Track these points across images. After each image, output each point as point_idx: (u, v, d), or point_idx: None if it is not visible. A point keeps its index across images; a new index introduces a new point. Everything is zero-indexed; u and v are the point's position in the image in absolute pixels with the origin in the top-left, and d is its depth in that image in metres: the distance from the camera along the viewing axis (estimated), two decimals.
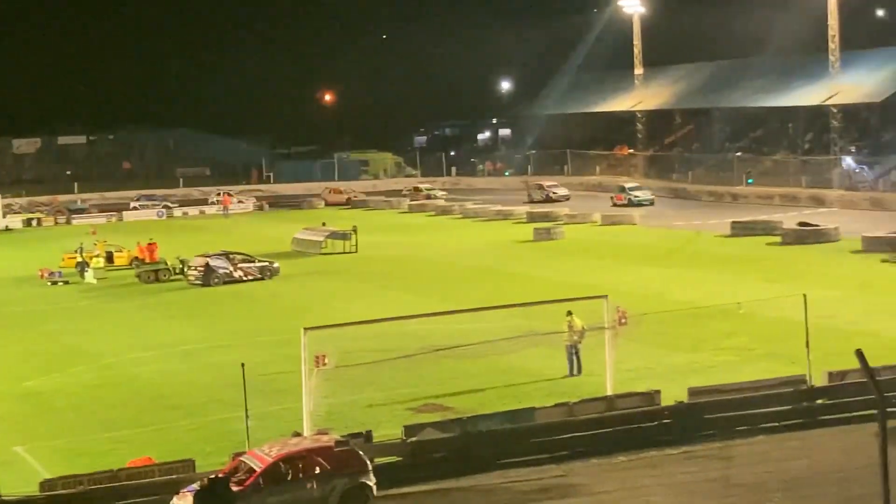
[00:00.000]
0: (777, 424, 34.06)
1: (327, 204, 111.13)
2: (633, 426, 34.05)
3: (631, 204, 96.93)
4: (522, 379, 39.62)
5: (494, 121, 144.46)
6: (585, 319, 40.16)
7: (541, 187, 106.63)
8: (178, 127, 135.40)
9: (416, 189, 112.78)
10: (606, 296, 39.05)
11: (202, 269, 65.03)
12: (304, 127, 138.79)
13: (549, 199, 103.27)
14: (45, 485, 29.89)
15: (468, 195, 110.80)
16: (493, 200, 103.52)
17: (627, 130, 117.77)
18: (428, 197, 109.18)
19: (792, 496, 28.30)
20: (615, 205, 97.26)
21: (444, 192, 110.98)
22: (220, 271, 65.11)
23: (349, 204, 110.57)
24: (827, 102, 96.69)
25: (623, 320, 39.05)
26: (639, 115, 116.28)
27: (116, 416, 38.51)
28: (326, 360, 34.09)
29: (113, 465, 30.49)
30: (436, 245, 79.25)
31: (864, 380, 14.68)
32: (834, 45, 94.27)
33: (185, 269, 66.42)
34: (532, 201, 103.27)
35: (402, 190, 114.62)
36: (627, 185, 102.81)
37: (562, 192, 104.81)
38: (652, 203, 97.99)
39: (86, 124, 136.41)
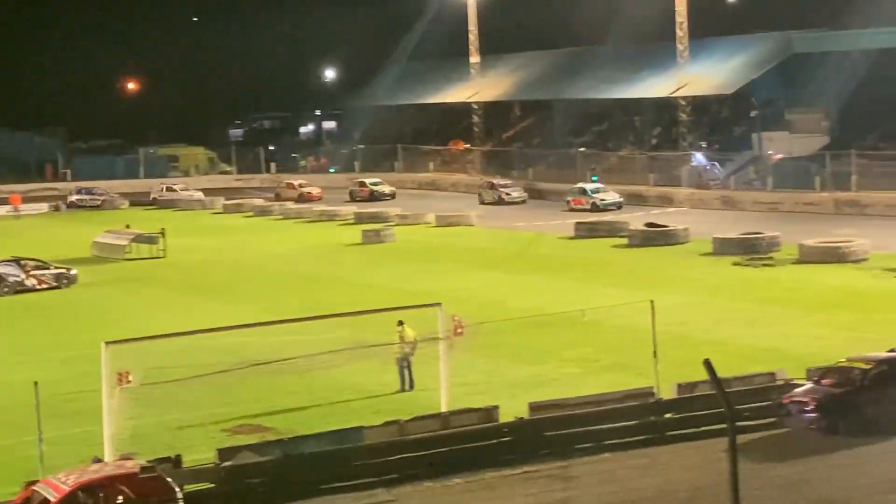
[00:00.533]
0: (623, 441, 34.47)
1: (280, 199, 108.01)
2: (469, 445, 34.20)
3: (501, 202, 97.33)
4: (349, 395, 39.39)
5: (318, 112, 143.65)
6: (418, 329, 40.26)
7: (492, 186, 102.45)
8: None
9: (362, 185, 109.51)
10: (441, 304, 39.19)
11: None
12: (104, 119, 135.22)
13: (374, 199, 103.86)
14: None
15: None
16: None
17: (463, 124, 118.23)
18: (372, 194, 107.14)
19: None
20: (484, 202, 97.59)
21: (392, 189, 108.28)
22: (11, 279, 64.03)
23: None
24: (675, 94, 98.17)
25: (459, 330, 39.27)
26: (475, 108, 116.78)
27: None
28: (130, 378, 33.72)
29: None
30: (254, 249, 78.75)
31: (714, 392, 15.08)
32: (682, 32, 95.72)
33: None
34: (484, 202, 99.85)
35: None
36: (498, 182, 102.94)
37: (516, 193, 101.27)
38: (523, 201, 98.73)
39: None
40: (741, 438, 30.78)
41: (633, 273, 61.75)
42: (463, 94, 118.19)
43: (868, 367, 35.58)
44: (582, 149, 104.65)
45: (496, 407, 35.77)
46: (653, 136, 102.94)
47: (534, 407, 35.75)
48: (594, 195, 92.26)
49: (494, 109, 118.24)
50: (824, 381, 35.62)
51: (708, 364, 13.71)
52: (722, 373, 18.60)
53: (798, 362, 37.92)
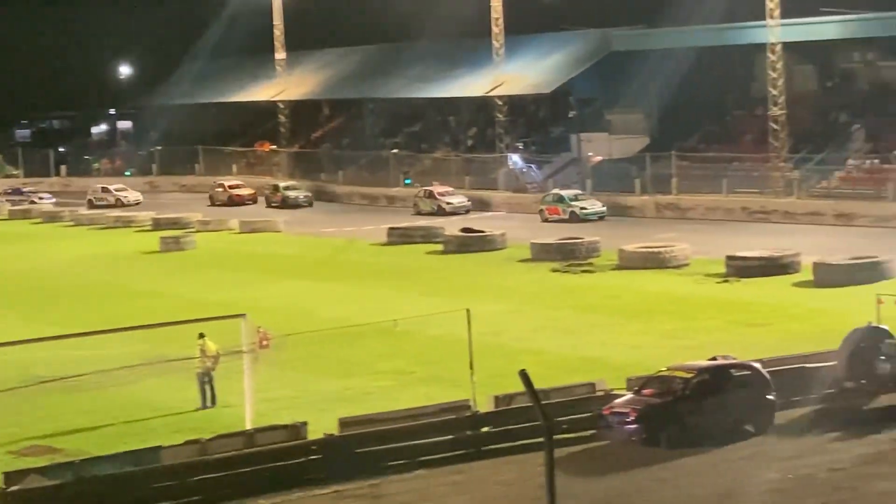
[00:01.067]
0: (438, 457, 34.61)
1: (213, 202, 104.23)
2: (276, 464, 34.13)
3: (287, 205, 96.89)
4: (147, 413, 38.81)
5: (112, 112, 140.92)
6: (221, 343, 40.10)
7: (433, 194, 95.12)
8: None
9: (276, 189, 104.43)
10: (245, 314, 39.08)
11: None
12: None
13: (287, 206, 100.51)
14: None
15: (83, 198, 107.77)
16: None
17: (269, 124, 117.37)
18: (284, 200, 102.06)
19: None
20: (270, 205, 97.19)
21: (308, 196, 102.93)
22: None
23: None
24: (491, 93, 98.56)
25: (265, 342, 39.14)
26: (281, 107, 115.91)
27: None
28: None
29: None
30: (42, 258, 77.29)
31: (531, 404, 15.23)
32: (498, 29, 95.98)
33: None
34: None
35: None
36: (282, 184, 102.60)
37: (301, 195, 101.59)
38: (310, 204, 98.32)
39: None
40: (560, 452, 31.11)
41: (449, 281, 61.94)
42: (268, 93, 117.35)
43: (689, 375, 36.18)
44: (395, 150, 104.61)
45: (304, 423, 35.67)
46: (468, 136, 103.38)
47: (344, 423, 35.73)
48: (574, 203, 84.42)
49: (302, 109, 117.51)
50: (645, 391, 36.14)
51: (524, 375, 13.85)
52: (540, 384, 18.71)
53: (618, 372, 38.39)
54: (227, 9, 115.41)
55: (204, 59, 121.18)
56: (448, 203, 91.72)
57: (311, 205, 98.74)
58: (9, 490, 31.60)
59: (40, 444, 36.08)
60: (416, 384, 41.18)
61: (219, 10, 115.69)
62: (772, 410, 36.37)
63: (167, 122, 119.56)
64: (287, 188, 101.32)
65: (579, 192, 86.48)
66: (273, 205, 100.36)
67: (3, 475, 31.99)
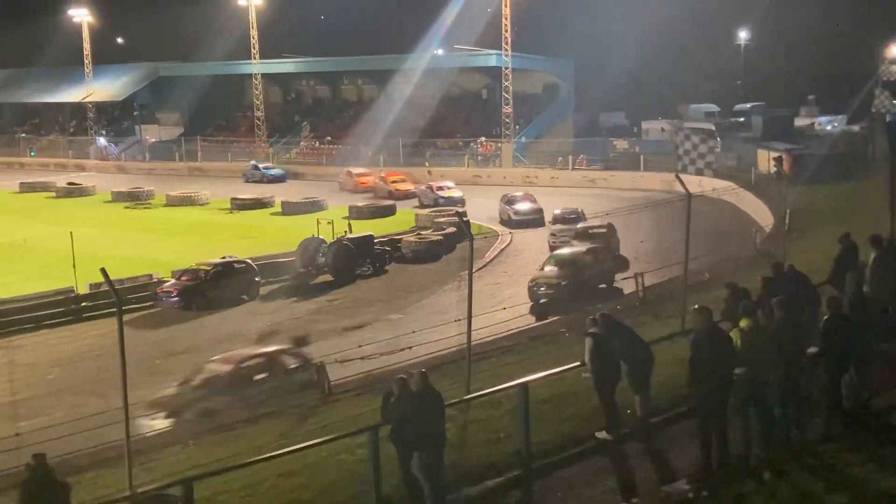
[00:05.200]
0: (55, 321, 33.19)
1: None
2: None
3: None
4: None
5: None
6: None
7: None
8: None
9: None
10: None
11: None
12: None
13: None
14: None
15: None
16: None
17: None
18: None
19: (66, 369, 27.68)
20: None
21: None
22: None
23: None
24: (85, 100, 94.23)
25: None
26: None
27: None
28: None
29: None
30: None
31: (108, 288, 14.78)
32: (87, 59, 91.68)
33: None
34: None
35: None
36: None
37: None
38: None
39: None
40: (131, 315, 30.34)
41: (60, 215, 58.40)
42: None
43: (208, 268, 36.03)
44: (24, 135, 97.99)
45: None
46: (70, 126, 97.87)
47: None
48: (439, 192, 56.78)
49: None
50: (183, 278, 35.73)
51: (103, 271, 13.33)
52: (118, 276, 18.14)
53: (167, 267, 37.66)
54: None
55: None
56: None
57: None
58: None
59: None
60: (40, 278, 38.53)
61: None
62: (258, 287, 36.56)
63: None
64: None
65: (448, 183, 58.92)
66: None
67: None
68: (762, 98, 70.34)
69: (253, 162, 75.93)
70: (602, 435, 13.55)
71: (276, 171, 73.07)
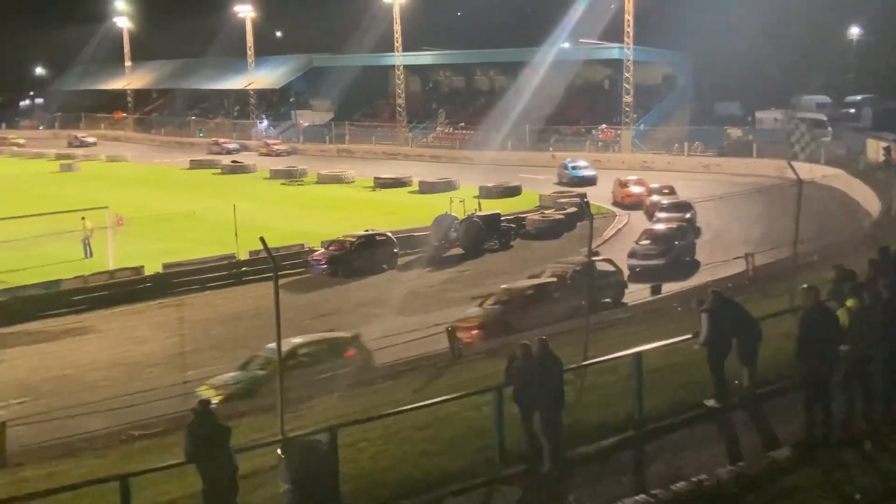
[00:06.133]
0: (218, 283, 34.25)
1: None
2: (128, 289, 33.15)
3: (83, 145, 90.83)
4: (53, 260, 36.46)
5: (31, 93, 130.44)
6: (94, 222, 38.45)
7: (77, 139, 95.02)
8: None
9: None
10: (108, 206, 37.62)
11: None
12: None
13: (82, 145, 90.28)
14: None
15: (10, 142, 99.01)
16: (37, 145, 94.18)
17: (122, 101, 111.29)
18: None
19: (228, 326, 28.57)
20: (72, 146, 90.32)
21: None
22: None
23: None
24: (247, 87, 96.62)
25: (120, 222, 37.73)
26: (129, 92, 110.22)
27: None
28: None
29: None
30: None
31: (265, 255, 15.09)
32: (250, 51, 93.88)
33: None
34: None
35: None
36: (76, 135, 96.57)
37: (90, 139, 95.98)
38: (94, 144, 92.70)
39: None
40: (284, 280, 31.02)
41: (225, 189, 60.04)
42: (121, 84, 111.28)
43: (354, 239, 36.64)
44: (193, 117, 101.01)
45: (143, 266, 34.71)
46: (234, 110, 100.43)
47: (166, 265, 34.91)
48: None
49: (141, 93, 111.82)
50: (331, 248, 36.43)
51: (262, 240, 13.65)
52: (274, 245, 18.36)
53: (317, 238, 38.44)
54: (95, 36, 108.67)
55: (82, 64, 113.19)
56: (226, 148, 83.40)
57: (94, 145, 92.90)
58: None
59: None
60: (208, 245, 39.91)
61: (89, 35, 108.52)
62: (396, 257, 37.01)
63: (64, 100, 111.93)
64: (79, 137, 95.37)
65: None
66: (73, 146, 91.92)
67: None
68: (873, 91, 67.38)
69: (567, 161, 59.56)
70: (711, 403, 13.28)
71: (588, 172, 57.01)
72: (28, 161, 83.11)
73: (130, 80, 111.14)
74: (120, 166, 77.85)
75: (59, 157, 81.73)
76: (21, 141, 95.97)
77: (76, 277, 32.91)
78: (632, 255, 32.69)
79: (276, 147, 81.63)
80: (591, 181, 55.44)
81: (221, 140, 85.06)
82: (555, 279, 26.40)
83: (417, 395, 16.39)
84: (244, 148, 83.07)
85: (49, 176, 70.78)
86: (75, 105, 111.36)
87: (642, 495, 10.65)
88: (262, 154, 79.55)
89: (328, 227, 42.32)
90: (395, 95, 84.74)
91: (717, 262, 30.97)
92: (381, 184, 59.93)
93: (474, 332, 23.85)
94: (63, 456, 16.01)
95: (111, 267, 34.88)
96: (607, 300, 27.16)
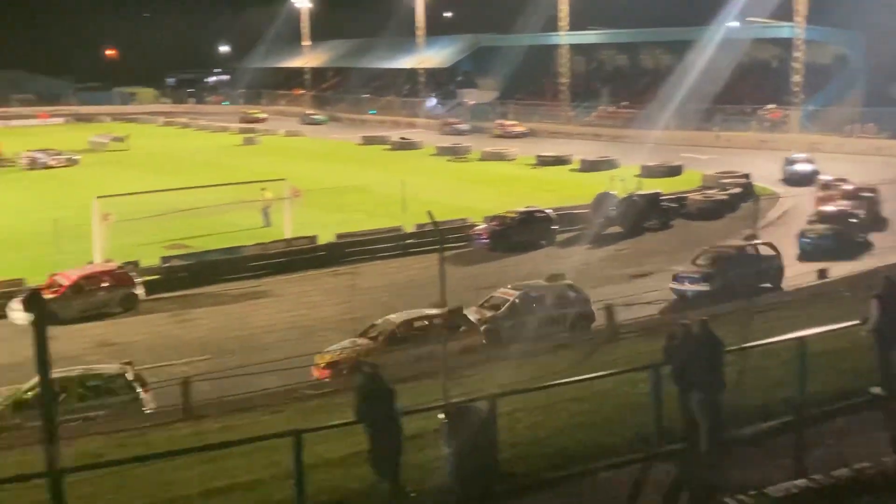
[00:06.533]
0: (386, 254, 34.90)
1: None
2: (302, 257, 34.23)
3: (313, 123, 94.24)
4: (235, 227, 37.92)
5: (217, 71, 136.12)
6: (274, 193, 39.80)
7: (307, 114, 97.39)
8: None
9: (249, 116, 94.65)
10: (285, 178, 38.85)
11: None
12: (94, 69, 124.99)
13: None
14: None
15: (200, 116, 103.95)
16: (219, 120, 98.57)
17: (300, 79, 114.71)
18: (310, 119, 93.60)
19: (395, 294, 29.13)
20: (304, 123, 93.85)
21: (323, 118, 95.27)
22: (39, 161, 61.26)
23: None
24: (417, 66, 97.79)
25: (297, 194, 38.94)
26: (306, 70, 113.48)
27: None
28: (111, 217, 32.75)
29: None
30: (180, 147, 75.52)
31: (432, 228, 15.30)
32: (420, 32, 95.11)
33: (15, 159, 62.01)
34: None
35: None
36: (307, 112, 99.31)
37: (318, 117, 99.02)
38: (326, 122, 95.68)
39: None
40: (447, 252, 31.31)
41: (393, 165, 61.24)
42: (299, 62, 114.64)
43: (514, 215, 36.62)
44: (366, 95, 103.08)
45: (316, 235, 35.66)
46: (404, 89, 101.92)
47: (339, 236, 35.81)
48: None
49: (318, 71, 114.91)
50: (493, 223, 36.52)
51: (429, 213, 13.79)
52: (438, 219, 18.52)
53: (479, 213, 38.59)
54: (275, 20, 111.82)
55: (265, 43, 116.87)
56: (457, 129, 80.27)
57: (326, 122, 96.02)
58: (163, 266, 31.55)
59: (179, 242, 35.79)
60: (376, 217, 40.73)
61: (274, 16, 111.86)
62: (555, 234, 36.80)
63: (248, 77, 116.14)
64: (310, 114, 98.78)
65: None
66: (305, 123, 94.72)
67: (161, 258, 31.88)
68: None
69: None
70: (877, 390, 12.65)
71: (805, 167, 49.36)
72: (213, 135, 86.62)
73: (308, 58, 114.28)
74: (298, 141, 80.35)
75: (242, 131, 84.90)
76: (263, 115, 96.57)
77: (255, 244, 34.25)
78: (802, 235, 32.51)
79: (456, 125, 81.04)
80: (810, 176, 46.79)
81: (452, 121, 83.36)
82: (433, 313, 21.47)
83: (575, 368, 16.29)
84: (475, 130, 79.13)
85: (232, 149, 73.70)
86: (257, 82, 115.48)
87: (802, 480, 10.26)
88: (442, 133, 78.85)
89: (490, 202, 42.43)
90: (559, 74, 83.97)
91: (890, 246, 29.49)
92: (543, 161, 59.62)
93: (323, 370, 20.46)
94: (241, 410, 16.75)
95: (288, 235, 36.10)
96: (767, 285, 26.39)
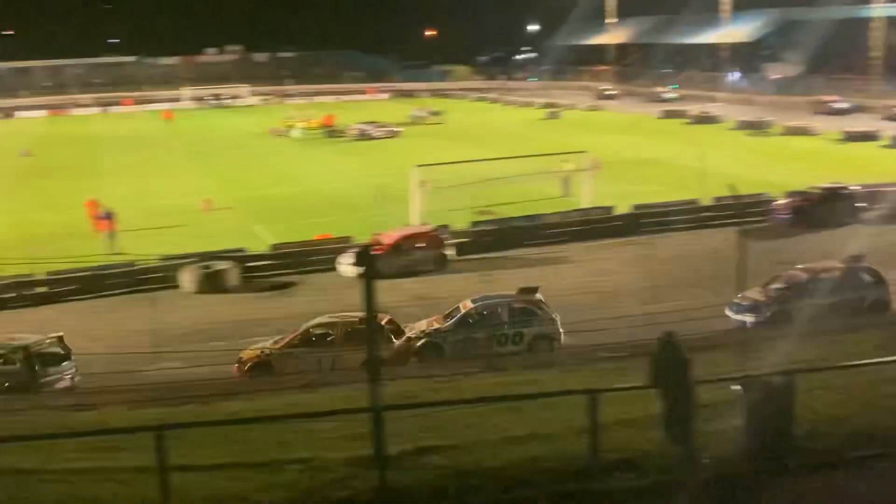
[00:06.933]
0: (681, 226, 34.08)
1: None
2: (599, 226, 34.25)
3: (609, 98, 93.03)
4: (536, 196, 38.57)
5: (524, 48, 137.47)
6: (575, 164, 39.95)
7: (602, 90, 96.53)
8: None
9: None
10: (587, 151, 38.86)
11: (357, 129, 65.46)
12: (416, 49, 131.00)
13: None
14: (274, 247, 30.82)
15: (509, 92, 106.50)
16: (526, 96, 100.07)
17: (602, 55, 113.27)
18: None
19: (684, 263, 28.38)
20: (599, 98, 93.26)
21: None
22: (366, 132, 65.41)
23: None
24: (718, 41, 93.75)
25: (597, 166, 38.87)
26: (611, 46, 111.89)
27: (305, 209, 38.97)
28: (427, 184, 34.39)
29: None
30: (489, 120, 77.61)
31: (728, 202, 14.64)
32: (727, 6, 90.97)
33: (346, 130, 66.72)
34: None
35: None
36: (601, 87, 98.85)
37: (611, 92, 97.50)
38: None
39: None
40: (747, 227, 29.96)
41: (693, 138, 58.86)
42: (603, 39, 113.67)
43: (818, 192, 34.46)
44: (667, 70, 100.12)
45: (614, 206, 35.53)
46: (706, 63, 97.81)
47: (636, 207, 35.44)
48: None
49: (621, 47, 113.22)
50: (796, 199, 34.59)
51: (732, 186, 13.28)
52: (741, 192, 17.82)
53: (782, 188, 36.66)
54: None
55: (572, 23, 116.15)
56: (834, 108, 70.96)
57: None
58: (472, 230, 32.74)
59: (488, 209, 36.54)
60: (672, 191, 39.62)
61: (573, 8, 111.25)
62: (859, 212, 34.14)
63: (553, 54, 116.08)
64: (604, 89, 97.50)
65: None
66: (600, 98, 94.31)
67: (471, 223, 33.02)
68: None
69: None
70: None
71: None
72: (517, 109, 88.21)
73: (612, 35, 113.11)
74: (599, 115, 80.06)
75: (545, 105, 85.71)
76: (672, 96, 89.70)
77: (555, 213, 34.66)
78: None
79: (833, 105, 71.18)
80: None
81: (826, 98, 73.44)
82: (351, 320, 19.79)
83: (879, 350, 15.13)
84: (858, 109, 70.00)
85: (535, 123, 74.73)
86: (563, 59, 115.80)
87: None
88: (817, 112, 70.04)
89: (790, 178, 40.17)
90: (871, 48, 77.10)
91: None
92: (850, 137, 55.34)
93: (236, 366, 19.32)
94: (542, 367, 17.14)
95: (585, 205, 36.21)
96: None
